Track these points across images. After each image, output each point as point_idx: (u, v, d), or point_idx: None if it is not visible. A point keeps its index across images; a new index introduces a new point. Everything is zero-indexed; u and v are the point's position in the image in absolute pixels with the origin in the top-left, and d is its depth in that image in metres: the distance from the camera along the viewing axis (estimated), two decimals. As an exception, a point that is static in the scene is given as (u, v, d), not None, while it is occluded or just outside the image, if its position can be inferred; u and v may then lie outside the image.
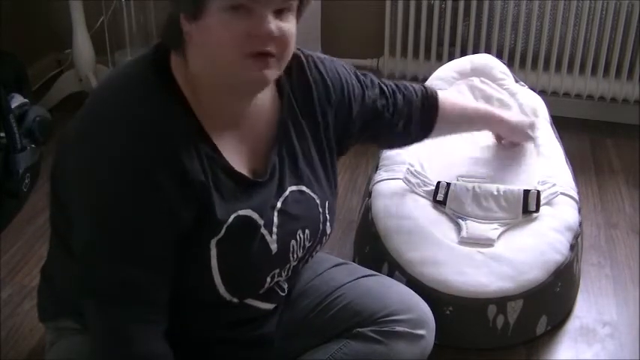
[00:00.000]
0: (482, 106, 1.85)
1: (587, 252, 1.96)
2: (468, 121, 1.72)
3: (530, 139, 1.89)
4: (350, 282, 1.45)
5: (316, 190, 1.32)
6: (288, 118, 1.28)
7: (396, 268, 1.64)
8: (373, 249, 1.72)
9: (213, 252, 1.17)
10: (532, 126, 1.88)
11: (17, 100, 2.18)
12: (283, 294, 1.34)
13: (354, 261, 1.74)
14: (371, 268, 1.54)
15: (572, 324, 1.74)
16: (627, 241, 2.04)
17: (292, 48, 1.17)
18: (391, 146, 1.73)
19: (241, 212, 1.19)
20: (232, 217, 1.18)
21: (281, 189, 1.26)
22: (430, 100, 1.58)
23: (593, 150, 2.51)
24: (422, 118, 1.56)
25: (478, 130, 1.84)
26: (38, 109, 2.27)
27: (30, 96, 2.36)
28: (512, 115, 1.90)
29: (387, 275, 1.59)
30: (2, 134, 2.07)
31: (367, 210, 1.80)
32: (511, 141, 1.91)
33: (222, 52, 1.11)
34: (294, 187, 1.28)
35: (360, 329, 1.39)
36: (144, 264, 1.13)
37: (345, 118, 1.38)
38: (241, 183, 1.20)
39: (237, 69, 1.13)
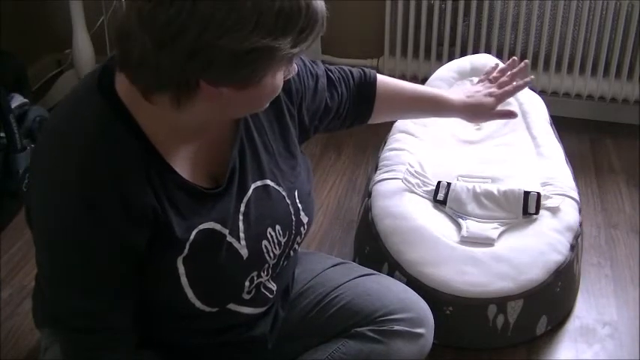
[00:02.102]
0: (430, 92, 1.60)
1: (587, 252, 1.96)
2: (412, 105, 1.57)
3: (498, 116, 1.61)
4: (348, 281, 1.45)
5: (281, 182, 1.29)
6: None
7: (396, 268, 1.64)
8: (373, 249, 1.72)
9: (181, 270, 1.15)
10: (492, 106, 1.58)
11: (17, 100, 2.18)
12: (272, 295, 1.33)
13: (354, 261, 1.74)
14: (371, 268, 1.53)
15: (572, 324, 1.74)
16: (627, 241, 2.04)
17: None
18: (330, 131, 1.53)
19: (202, 226, 1.16)
20: (194, 233, 1.15)
21: (243, 190, 1.23)
22: (367, 82, 1.50)
23: (593, 150, 2.51)
24: (359, 101, 1.49)
25: (433, 116, 1.66)
26: (38, 109, 2.28)
27: (30, 96, 2.36)
28: (470, 99, 1.57)
29: (387, 275, 1.59)
30: (2, 134, 2.07)
31: (367, 210, 1.80)
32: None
33: (259, 102, 1.11)
34: (258, 183, 1.25)
35: (358, 329, 1.39)
36: (99, 292, 1.12)
37: (300, 107, 1.35)
38: (199, 196, 1.16)
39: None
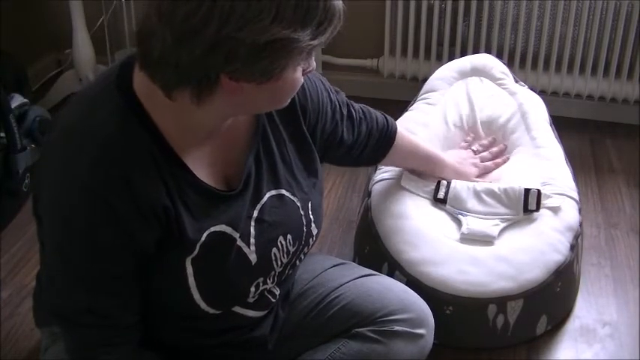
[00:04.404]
0: (432, 152, 1.80)
1: (587, 252, 1.96)
2: (416, 160, 1.77)
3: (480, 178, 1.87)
4: (349, 282, 1.45)
5: (296, 192, 1.29)
6: (265, 121, 1.26)
7: (396, 268, 1.64)
8: (373, 249, 1.72)
9: (189, 270, 1.15)
10: (475, 176, 1.86)
11: (17, 100, 2.18)
12: (275, 300, 1.33)
13: (354, 261, 1.74)
14: (371, 268, 1.54)
15: (572, 324, 1.74)
16: (627, 241, 2.04)
17: None
18: (339, 165, 1.61)
19: (214, 229, 1.16)
20: (205, 234, 1.15)
21: (258, 196, 1.23)
22: (388, 134, 1.59)
23: (593, 150, 2.51)
24: (376, 148, 1.58)
25: (426, 171, 1.80)
26: (38, 109, 2.28)
27: (30, 96, 2.36)
28: (459, 165, 1.84)
29: (387, 275, 1.59)
30: (2, 134, 2.07)
31: (367, 210, 1.80)
32: None
33: (283, 98, 1.12)
34: (272, 192, 1.26)
35: (358, 329, 1.39)
36: (105, 290, 1.12)
37: (313, 128, 1.35)
38: (212, 198, 1.16)
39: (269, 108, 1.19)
